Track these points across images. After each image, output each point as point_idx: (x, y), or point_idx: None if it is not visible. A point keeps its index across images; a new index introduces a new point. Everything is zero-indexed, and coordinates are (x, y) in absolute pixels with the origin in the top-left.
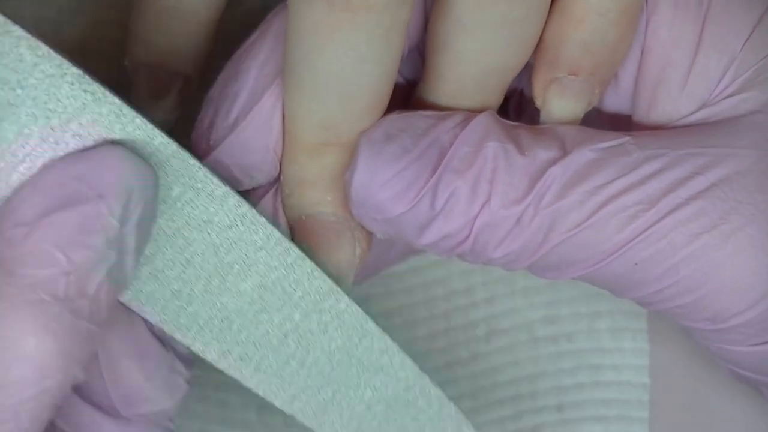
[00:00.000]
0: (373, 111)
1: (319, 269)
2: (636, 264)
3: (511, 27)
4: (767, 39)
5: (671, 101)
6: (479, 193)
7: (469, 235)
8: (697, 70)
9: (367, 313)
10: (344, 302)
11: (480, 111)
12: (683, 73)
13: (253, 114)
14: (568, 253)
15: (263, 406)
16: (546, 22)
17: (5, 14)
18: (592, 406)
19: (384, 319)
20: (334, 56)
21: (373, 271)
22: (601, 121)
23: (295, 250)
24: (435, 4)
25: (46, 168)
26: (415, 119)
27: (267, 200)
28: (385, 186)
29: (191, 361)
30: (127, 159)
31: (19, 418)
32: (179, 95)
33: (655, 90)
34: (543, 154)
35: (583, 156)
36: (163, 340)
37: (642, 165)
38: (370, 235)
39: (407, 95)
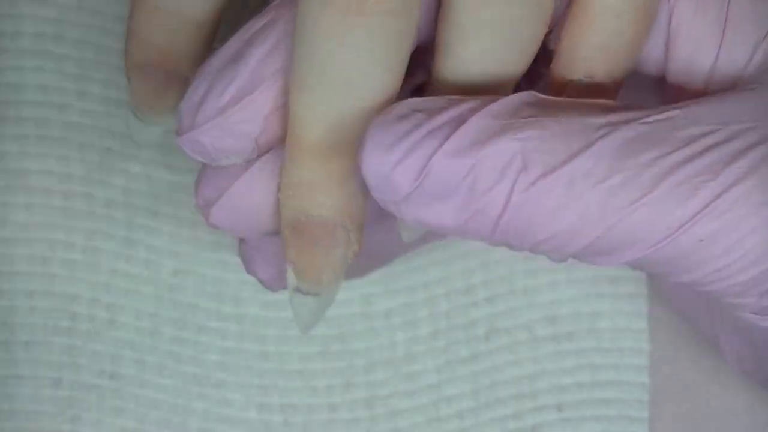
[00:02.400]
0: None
1: None
2: (702, 240)
3: (510, 28)
4: None
5: (702, 81)
6: (513, 164)
7: (503, 212)
8: (727, 48)
9: (369, 312)
10: None
11: None
12: (713, 53)
13: (244, 103)
14: (626, 232)
15: (263, 404)
16: (561, 25)
17: (5, 14)
18: (592, 406)
19: (385, 319)
20: (346, 59)
21: (384, 260)
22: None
23: None
24: (440, 11)
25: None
26: (433, 100)
27: (245, 179)
28: (395, 164)
29: None
30: None
31: None
32: (177, 95)
33: (687, 72)
34: (586, 122)
35: (632, 129)
36: None
37: (697, 139)
38: (362, 234)
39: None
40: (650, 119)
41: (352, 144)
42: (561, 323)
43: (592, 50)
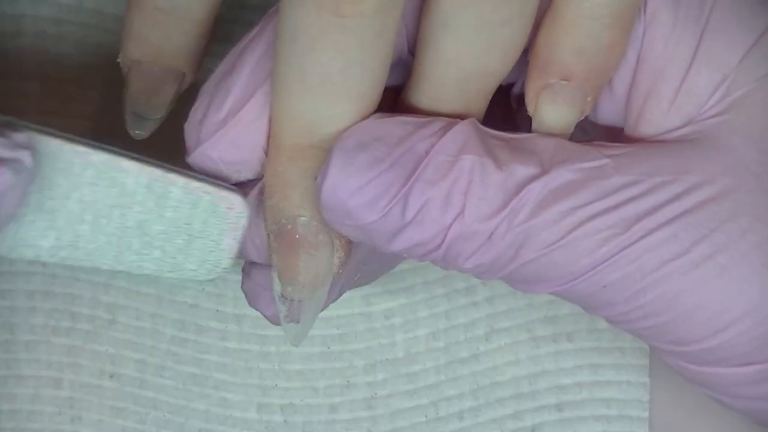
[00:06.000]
0: (360, 115)
1: None
2: (604, 286)
3: (492, 29)
4: (762, 61)
5: (660, 114)
6: (453, 204)
7: (441, 244)
8: (688, 86)
9: (369, 312)
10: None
11: (462, 117)
12: (674, 87)
13: (244, 111)
14: (539, 270)
15: (263, 404)
16: (538, 27)
17: (5, 13)
18: (592, 406)
19: (385, 319)
20: (322, 59)
21: (390, 265)
22: (596, 129)
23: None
24: (423, 4)
25: None
26: (393, 126)
27: (253, 195)
28: (356, 194)
29: None
30: None
31: None
32: (172, 93)
33: (646, 101)
34: (521, 170)
35: (561, 176)
36: None
37: (619, 190)
38: (349, 242)
39: (394, 99)
40: (581, 165)
41: (328, 144)
42: (561, 323)
43: (568, 53)
